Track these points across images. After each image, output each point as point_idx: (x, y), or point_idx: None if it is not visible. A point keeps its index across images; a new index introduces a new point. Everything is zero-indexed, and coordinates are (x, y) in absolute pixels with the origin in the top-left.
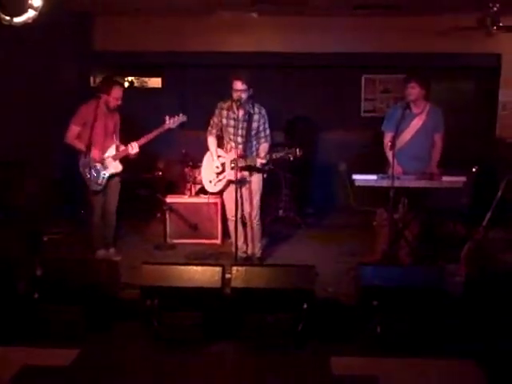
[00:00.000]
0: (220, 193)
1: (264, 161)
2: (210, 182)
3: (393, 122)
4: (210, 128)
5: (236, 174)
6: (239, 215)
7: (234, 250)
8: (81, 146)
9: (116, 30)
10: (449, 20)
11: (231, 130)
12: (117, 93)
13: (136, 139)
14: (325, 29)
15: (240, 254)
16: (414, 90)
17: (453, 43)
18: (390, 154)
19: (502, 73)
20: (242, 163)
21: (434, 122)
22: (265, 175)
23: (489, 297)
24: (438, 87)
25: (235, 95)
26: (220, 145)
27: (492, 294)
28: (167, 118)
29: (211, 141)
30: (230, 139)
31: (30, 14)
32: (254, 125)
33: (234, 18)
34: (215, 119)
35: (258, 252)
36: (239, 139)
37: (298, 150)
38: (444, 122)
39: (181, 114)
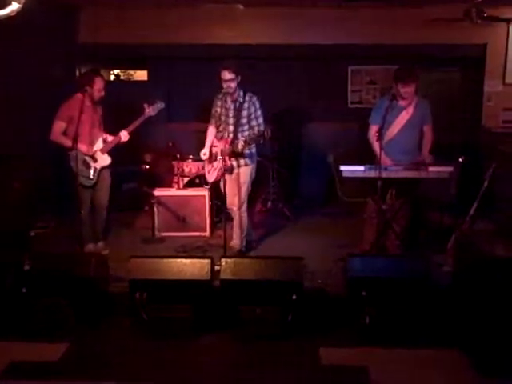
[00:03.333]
0: (216, 182)
1: (240, 146)
2: (209, 172)
3: (380, 114)
4: (210, 119)
5: (223, 162)
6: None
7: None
8: (67, 141)
9: (102, 22)
10: (434, 11)
11: (223, 118)
12: (99, 84)
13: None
14: (311, 20)
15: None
16: (410, 89)
17: (438, 34)
18: (375, 146)
19: (487, 63)
20: (229, 151)
21: (422, 114)
22: (253, 166)
23: (475, 287)
24: (424, 78)
25: (224, 85)
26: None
27: (479, 284)
28: (146, 105)
29: (209, 131)
30: (224, 128)
31: (14, 6)
32: (244, 113)
33: (220, 9)
34: (212, 110)
35: (240, 245)
36: (231, 128)
37: (266, 131)
38: (431, 114)
39: (158, 101)
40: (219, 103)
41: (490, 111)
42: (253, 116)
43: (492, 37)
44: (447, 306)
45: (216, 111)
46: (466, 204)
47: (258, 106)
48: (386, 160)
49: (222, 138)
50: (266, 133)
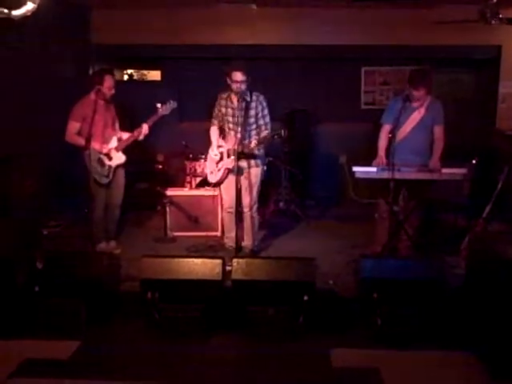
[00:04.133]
0: (219, 183)
1: (253, 145)
2: (212, 172)
3: (392, 114)
4: (212, 119)
5: (234, 163)
6: (234, 208)
7: (232, 242)
8: (81, 141)
9: (115, 22)
10: (448, 12)
11: (230, 118)
12: (109, 82)
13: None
14: (324, 21)
15: (230, 244)
16: (420, 93)
17: (453, 35)
18: (382, 146)
19: (502, 64)
20: (239, 151)
21: (434, 115)
22: (264, 168)
23: (489, 289)
24: (438, 79)
25: (235, 86)
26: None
27: (492, 286)
28: (159, 105)
29: (213, 131)
30: (230, 128)
31: (29, 6)
32: (252, 112)
33: (233, 10)
34: (216, 110)
35: (252, 245)
36: (238, 128)
37: (282, 130)
38: (444, 115)
39: (171, 101)
40: (224, 103)
41: (504, 113)
42: (260, 115)
43: (507, 38)
44: (459, 307)
45: (220, 111)
46: (479, 206)
47: (265, 104)
48: (383, 159)
49: (225, 137)
50: (282, 132)
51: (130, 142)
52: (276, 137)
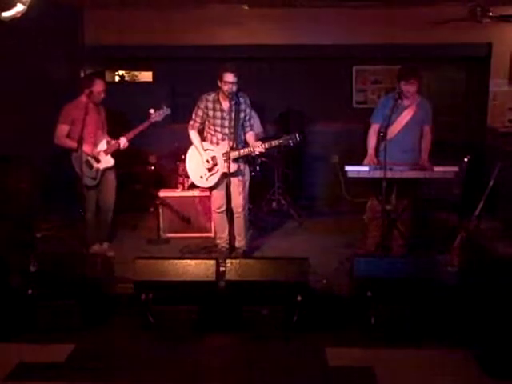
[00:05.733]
0: (212, 187)
1: (262, 149)
2: (201, 177)
3: (382, 113)
4: (192, 122)
5: (231, 167)
6: (225, 208)
7: (225, 242)
8: (71, 143)
9: (106, 23)
10: (439, 10)
11: (218, 121)
12: (99, 86)
13: (126, 133)
14: (316, 20)
15: (223, 245)
16: (413, 87)
17: (443, 33)
18: (371, 145)
19: (493, 62)
20: (235, 154)
21: (424, 114)
22: (257, 168)
23: (481, 286)
24: (429, 78)
25: (226, 87)
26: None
27: (485, 283)
28: (152, 111)
29: (194, 135)
30: (217, 131)
31: (19, 8)
32: (242, 114)
33: (225, 10)
34: (199, 112)
35: (245, 245)
36: (226, 130)
37: (297, 134)
38: (433, 115)
39: (164, 107)
40: (211, 105)
41: (495, 111)
42: (247, 117)
43: (497, 36)
44: (453, 305)
45: (206, 114)
46: (471, 203)
47: (250, 105)
48: (373, 159)
49: (216, 141)
50: (297, 136)
51: (116, 148)
52: (291, 141)
